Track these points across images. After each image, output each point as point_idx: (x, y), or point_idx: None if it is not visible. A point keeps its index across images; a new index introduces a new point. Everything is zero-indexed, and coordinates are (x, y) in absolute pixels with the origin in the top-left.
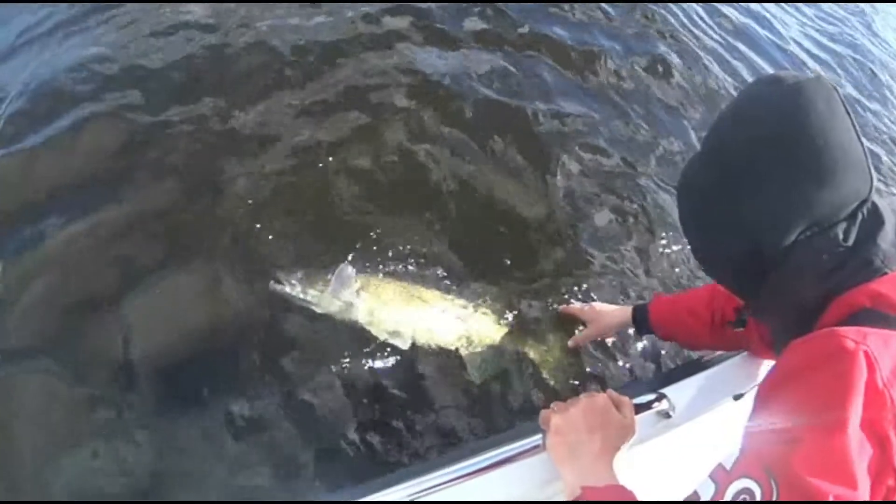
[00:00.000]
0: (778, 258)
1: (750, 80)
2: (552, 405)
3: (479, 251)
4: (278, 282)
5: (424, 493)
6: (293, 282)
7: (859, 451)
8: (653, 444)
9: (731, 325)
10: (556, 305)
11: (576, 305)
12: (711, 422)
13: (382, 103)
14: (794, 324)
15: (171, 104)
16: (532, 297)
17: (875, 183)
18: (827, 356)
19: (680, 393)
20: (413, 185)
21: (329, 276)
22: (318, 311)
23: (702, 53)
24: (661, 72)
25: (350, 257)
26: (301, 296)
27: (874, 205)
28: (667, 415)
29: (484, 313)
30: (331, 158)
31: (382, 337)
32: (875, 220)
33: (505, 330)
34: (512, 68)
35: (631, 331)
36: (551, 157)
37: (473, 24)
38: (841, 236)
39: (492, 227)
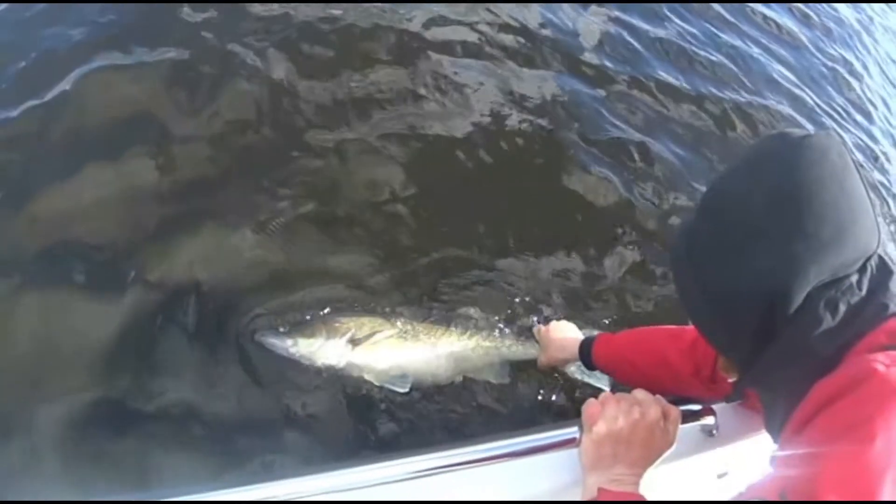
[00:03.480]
0: (790, 315)
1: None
2: (601, 398)
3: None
4: (264, 335)
5: (451, 468)
6: (281, 334)
7: (884, 470)
8: (689, 461)
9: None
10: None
11: (536, 327)
12: (751, 452)
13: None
14: (800, 387)
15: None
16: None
17: (882, 236)
18: (857, 381)
19: (729, 412)
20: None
21: (318, 327)
22: (313, 364)
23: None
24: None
25: (332, 301)
26: (290, 351)
27: (880, 257)
28: (710, 432)
29: (482, 334)
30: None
31: (382, 382)
32: (884, 270)
33: (509, 343)
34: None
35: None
36: (545, 174)
37: None
38: (855, 285)
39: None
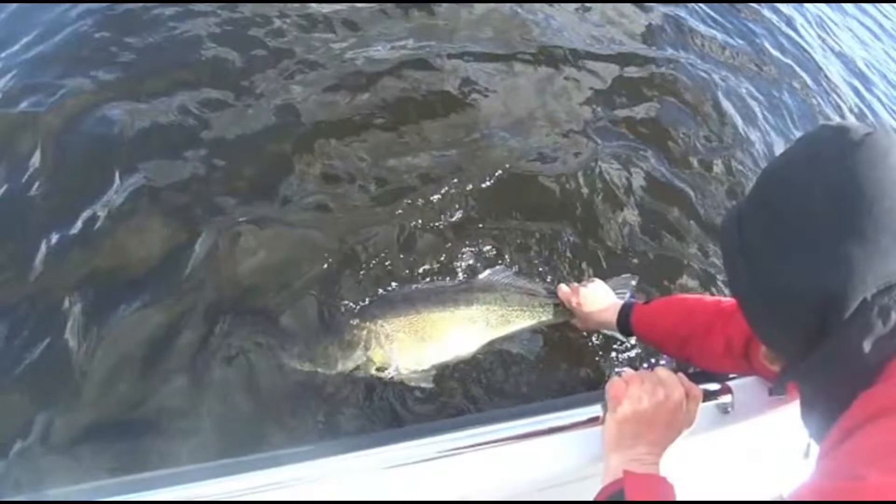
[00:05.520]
0: (844, 318)
1: None
2: (625, 377)
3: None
4: (283, 359)
5: (475, 447)
6: (298, 356)
7: None
8: (704, 437)
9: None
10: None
11: (566, 294)
12: (767, 427)
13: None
14: (844, 390)
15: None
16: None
17: None
18: None
19: (744, 389)
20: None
21: (331, 346)
22: (336, 373)
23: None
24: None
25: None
26: (311, 368)
27: None
28: (725, 410)
29: (496, 306)
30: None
31: (407, 382)
32: None
33: (528, 311)
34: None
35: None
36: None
37: None
38: None
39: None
